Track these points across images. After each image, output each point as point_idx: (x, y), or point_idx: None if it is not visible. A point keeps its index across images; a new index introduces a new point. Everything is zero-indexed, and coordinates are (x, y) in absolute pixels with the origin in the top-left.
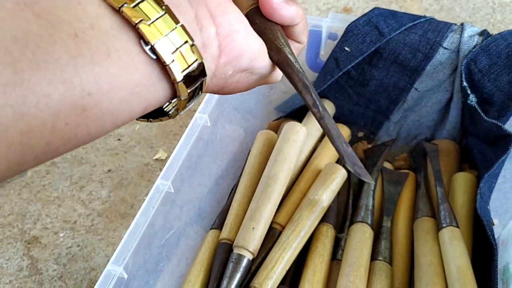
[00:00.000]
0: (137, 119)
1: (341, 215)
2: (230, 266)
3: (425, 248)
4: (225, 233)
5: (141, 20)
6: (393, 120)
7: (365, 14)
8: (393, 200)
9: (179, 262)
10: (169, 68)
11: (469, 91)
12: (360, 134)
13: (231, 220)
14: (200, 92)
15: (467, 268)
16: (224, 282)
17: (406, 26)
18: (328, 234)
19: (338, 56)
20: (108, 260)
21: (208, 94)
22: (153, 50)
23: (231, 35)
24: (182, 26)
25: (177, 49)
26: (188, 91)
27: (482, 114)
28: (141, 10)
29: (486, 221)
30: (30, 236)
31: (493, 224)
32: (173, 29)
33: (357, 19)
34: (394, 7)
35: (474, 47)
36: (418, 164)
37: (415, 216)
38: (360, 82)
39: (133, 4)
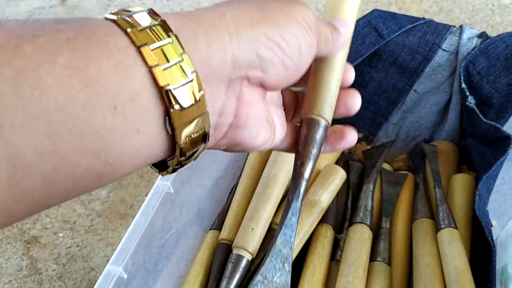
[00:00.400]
0: None
1: (340, 216)
2: (229, 266)
3: (423, 249)
4: (224, 233)
5: (172, 104)
6: (392, 122)
7: (364, 16)
8: (392, 201)
9: (179, 262)
10: (179, 147)
11: (467, 93)
12: (360, 135)
13: (230, 220)
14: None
15: (465, 269)
16: (223, 283)
17: (405, 28)
18: (327, 235)
19: None
20: (108, 260)
21: None
22: (173, 130)
23: (241, 129)
24: (207, 113)
25: (194, 133)
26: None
27: (480, 115)
28: (176, 96)
29: (484, 222)
30: (29, 236)
31: (492, 226)
32: (200, 115)
33: (356, 21)
34: (393, 8)
35: (473, 49)
36: (417, 166)
37: (414, 217)
38: (359, 83)
39: (175, 87)
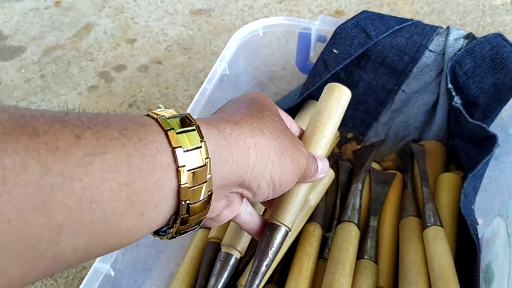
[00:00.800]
0: None
1: (329, 214)
2: (218, 264)
3: (409, 247)
4: (214, 232)
5: (188, 198)
6: (382, 122)
7: (353, 17)
8: (380, 200)
9: (168, 261)
10: (182, 219)
11: (454, 93)
12: (350, 135)
13: None
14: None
15: (449, 266)
16: (212, 281)
17: (393, 29)
18: (315, 233)
19: (327, 58)
20: None
21: (198, 95)
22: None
23: (212, 221)
24: (211, 194)
25: (197, 214)
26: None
27: (466, 115)
28: (194, 189)
29: (469, 220)
30: None
31: (478, 224)
32: (204, 199)
33: (345, 22)
34: (385, 9)
35: (459, 50)
36: (405, 165)
37: (401, 215)
38: (349, 83)
39: (193, 202)
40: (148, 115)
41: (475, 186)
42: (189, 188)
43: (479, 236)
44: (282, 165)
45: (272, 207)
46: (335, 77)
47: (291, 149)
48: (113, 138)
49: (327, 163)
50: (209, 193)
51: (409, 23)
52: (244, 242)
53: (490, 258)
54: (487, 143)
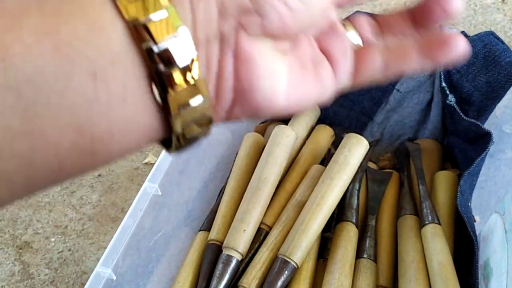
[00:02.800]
0: None
1: None
2: (220, 266)
3: (408, 245)
4: (213, 234)
5: (157, 65)
6: (377, 121)
7: (347, 18)
8: (377, 199)
9: (169, 264)
10: (172, 120)
11: (448, 92)
12: (345, 134)
13: (220, 221)
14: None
15: (448, 264)
16: (214, 283)
17: None
18: None
19: None
20: None
21: None
22: (162, 98)
23: (249, 93)
24: (204, 80)
25: (189, 100)
26: (190, 135)
27: (461, 113)
28: (161, 55)
29: (467, 218)
30: (21, 241)
31: (475, 221)
32: (195, 80)
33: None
34: (378, 10)
35: None
36: (401, 164)
37: (398, 214)
38: None
39: (159, 44)
40: None
41: (471, 183)
42: (145, 24)
43: (477, 233)
44: None
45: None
46: None
47: None
48: None
49: None
50: (178, 27)
51: None
52: (246, 244)
53: (488, 255)
54: (482, 140)
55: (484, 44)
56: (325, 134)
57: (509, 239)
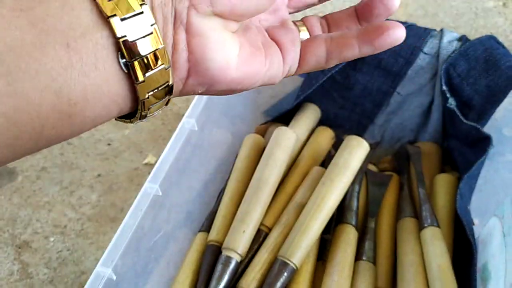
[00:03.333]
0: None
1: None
2: (219, 268)
3: (407, 247)
4: (213, 235)
5: (121, 37)
6: (377, 124)
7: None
8: (377, 201)
9: (168, 265)
10: (138, 87)
11: (448, 95)
12: (345, 137)
13: (219, 222)
14: (166, 104)
15: (447, 267)
16: (213, 283)
17: None
18: None
19: None
20: None
21: (195, 99)
22: (127, 65)
23: (202, 64)
24: (164, 48)
25: (151, 68)
26: (152, 105)
27: (461, 117)
28: (125, 28)
29: (466, 221)
30: (20, 240)
31: (474, 224)
32: (156, 50)
33: None
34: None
35: (453, 52)
36: (401, 166)
37: (398, 216)
38: (345, 86)
39: (123, 17)
40: None
41: (470, 186)
42: (109, 0)
43: (476, 236)
44: None
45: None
46: (331, 80)
47: None
48: None
49: None
50: (140, 4)
51: (404, 25)
52: (245, 245)
53: (486, 258)
54: (482, 144)
55: (485, 48)
56: (326, 136)
57: (508, 243)
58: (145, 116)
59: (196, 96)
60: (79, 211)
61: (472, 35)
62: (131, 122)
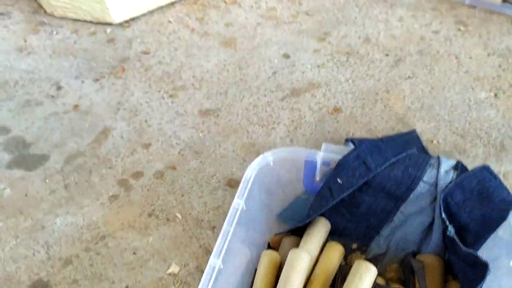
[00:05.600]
0: None
1: None
2: None
3: None
4: None
5: None
6: (383, 235)
7: (354, 149)
8: None
9: None
10: None
11: (447, 223)
12: (354, 245)
13: None
14: None
15: None
16: None
17: (390, 162)
18: None
19: (332, 187)
20: None
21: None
22: None
23: None
24: None
25: None
26: None
27: (460, 244)
28: None
29: None
30: None
31: None
32: None
33: (347, 154)
34: (379, 105)
35: (450, 182)
36: (407, 280)
37: None
38: (352, 204)
39: None
40: None
41: None
42: None
43: None
44: None
45: None
46: (339, 201)
47: None
48: None
49: None
50: None
51: (404, 155)
52: None
53: None
54: (480, 268)
55: (478, 181)
56: (336, 252)
57: None
58: None
59: (220, 234)
60: None
61: (467, 129)
62: None
